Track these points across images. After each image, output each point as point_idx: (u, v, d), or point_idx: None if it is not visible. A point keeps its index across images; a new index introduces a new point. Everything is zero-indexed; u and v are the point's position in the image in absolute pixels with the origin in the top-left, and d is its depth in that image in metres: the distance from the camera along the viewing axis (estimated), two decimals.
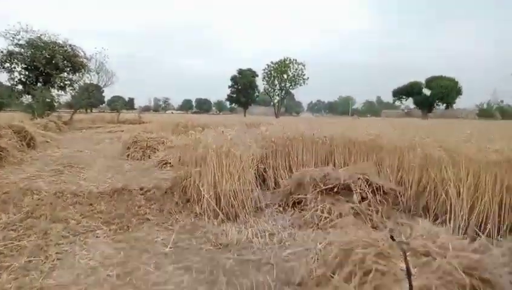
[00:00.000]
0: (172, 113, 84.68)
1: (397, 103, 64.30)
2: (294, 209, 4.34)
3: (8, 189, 4.95)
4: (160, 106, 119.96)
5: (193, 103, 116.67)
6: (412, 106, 66.84)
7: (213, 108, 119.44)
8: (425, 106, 54.95)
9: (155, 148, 8.75)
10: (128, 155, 8.62)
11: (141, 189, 5.25)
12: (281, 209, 4.38)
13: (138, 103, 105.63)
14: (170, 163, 7.34)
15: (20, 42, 20.95)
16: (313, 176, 4.26)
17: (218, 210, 3.99)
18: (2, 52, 20.61)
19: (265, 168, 5.54)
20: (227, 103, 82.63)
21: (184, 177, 4.78)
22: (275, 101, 60.54)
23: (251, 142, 4.75)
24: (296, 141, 5.78)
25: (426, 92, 55.21)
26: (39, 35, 21.55)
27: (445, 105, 56.00)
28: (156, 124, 16.68)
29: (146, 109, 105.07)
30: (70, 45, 22.83)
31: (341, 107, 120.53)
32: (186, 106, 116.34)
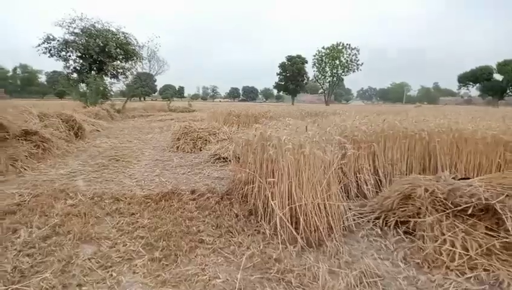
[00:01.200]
0: (220, 101, 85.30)
1: (464, 89, 58.67)
2: (397, 231, 3.14)
3: (41, 190, 4.24)
4: (208, 94, 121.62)
5: (240, 91, 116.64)
6: (474, 93, 61.32)
7: (260, 96, 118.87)
8: (496, 92, 49.17)
9: (206, 140, 7.86)
10: (178, 147, 7.82)
11: (192, 192, 4.30)
12: (378, 230, 3.19)
13: (187, 91, 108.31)
14: (224, 158, 6.40)
15: (75, 30, 21.25)
16: (429, 188, 3.00)
17: (295, 233, 2.90)
18: (58, 40, 21.02)
19: (344, 171, 4.33)
20: (274, 91, 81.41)
21: (246, 182, 3.76)
22: (325, 88, 58.04)
23: (337, 141, 3.55)
24: (384, 135, 4.50)
25: (498, 77, 49.47)
26: (92, 23, 21.74)
27: None
28: (206, 112, 15.99)
29: (195, 97, 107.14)
30: (123, 33, 22.89)
31: (393, 94, 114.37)
32: (233, 93, 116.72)
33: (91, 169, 5.79)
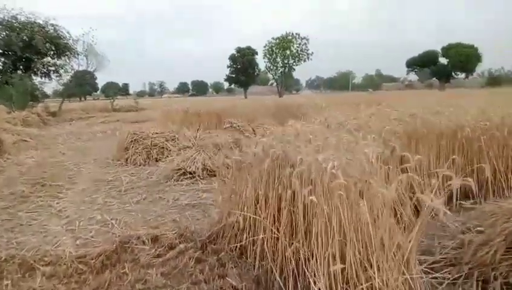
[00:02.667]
0: (169, 97, 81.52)
1: (412, 74, 61.13)
2: None
3: None
4: (155, 91, 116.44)
5: (190, 86, 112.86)
6: (412, 77, 64.75)
7: (210, 90, 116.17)
8: (443, 76, 51.44)
9: (163, 148, 6.27)
10: (127, 159, 6.16)
11: (153, 241, 2.82)
12: None
13: (133, 88, 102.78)
14: (191, 173, 4.91)
15: None
16: None
17: None
18: None
19: None
20: (225, 84, 79.58)
21: (243, 228, 2.37)
22: (276, 78, 57.30)
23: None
24: (417, 136, 3.33)
25: (443, 61, 51.91)
26: (14, 14, 18.67)
27: (464, 74, 52.97)
28: (157, 111, 14.11)
29: (142, 94, 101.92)
30: (52, 25, 19.94)
31: (339, 83, 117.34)
32: (182, 88, 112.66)
33: (3, 204, 4.07)
